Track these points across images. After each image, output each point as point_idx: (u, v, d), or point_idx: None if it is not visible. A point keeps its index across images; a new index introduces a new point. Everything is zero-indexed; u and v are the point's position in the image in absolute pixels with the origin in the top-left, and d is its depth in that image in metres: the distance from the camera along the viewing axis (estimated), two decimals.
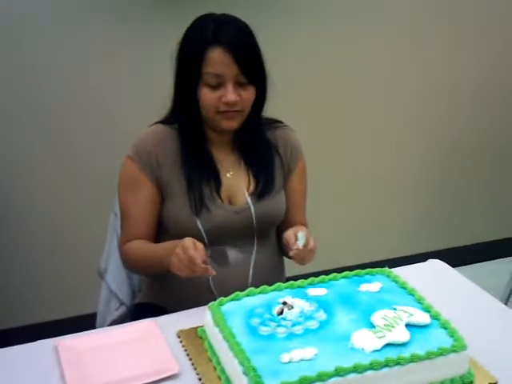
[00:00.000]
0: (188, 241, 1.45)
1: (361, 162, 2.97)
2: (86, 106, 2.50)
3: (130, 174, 1.65)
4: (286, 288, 1.42)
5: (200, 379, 1.25)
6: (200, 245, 1.45)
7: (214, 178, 1.65)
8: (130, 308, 1.83)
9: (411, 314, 1.28)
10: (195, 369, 1.28)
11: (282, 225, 1.75)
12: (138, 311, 1.73)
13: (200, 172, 1.64)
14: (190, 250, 1.42)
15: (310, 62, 2.61)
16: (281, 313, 1.30)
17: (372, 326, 1.26)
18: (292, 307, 1.32)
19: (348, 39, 2.77)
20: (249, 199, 1.67)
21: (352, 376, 1.13)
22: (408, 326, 1.25)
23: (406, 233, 3.21)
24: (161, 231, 1.69)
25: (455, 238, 3.31)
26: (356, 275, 1.48)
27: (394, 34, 2.85)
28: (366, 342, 1.21)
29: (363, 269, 1.50)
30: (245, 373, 1.13)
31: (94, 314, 1.85)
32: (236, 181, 1.69)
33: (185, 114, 1.63)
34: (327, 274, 1.48)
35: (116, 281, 1.83)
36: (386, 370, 1.15)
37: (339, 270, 1.50)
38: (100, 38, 2.43)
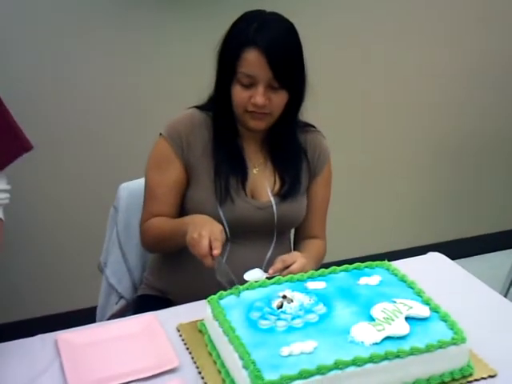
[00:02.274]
0: (207, 236, 1.44)
1: (359, 154, 2.97)
2: (91, 104, 2.50)
3: (161, 153, 1.67)
4: (286, 281, 1.42)
5: (200, 373, 1.25)
6: (218, 244, 1.44)
7: (242, 171, 1.67)
8: (131, 301, 1.83)
9: (411, 307, 1.28)
10: (195, 362, 1.28)
11: (300, 226, 1.78)
12: (140, 303, 1.74)
13: (228, 163, 1.65)
14: (204, 241, 1.43)
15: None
16: (280, 306, 1.31)
17: (372, 319, 1.26)
18: (291, 301, 1.32)
19: (350, 39, 2.78)
20: (272, 198, 1.68)
21: (351, 369, 1.13)
22: (407, 318, 1.25)
23: (405, 225, 3.21)
24: (182, 215, 1.68)
25: (455, 230, 3.32)
26: (355, 268, 1.48)
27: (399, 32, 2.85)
28: (365, 335, 1.21)
29: (363, 262, 1.50)
30: (244, 366, 1.14)
31: (94, 308, 1.85)
32: (261, 178, 1.70)
33: (220, 106, 1.64)
34: (326, 268, 1.48)
35: (116, 274, 1.83)
36: (385, 362, 1.15)
37: (338, 264, 1.50)
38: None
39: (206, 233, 1.44)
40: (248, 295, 1.37)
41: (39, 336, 1.34)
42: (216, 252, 1.42)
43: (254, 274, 1.49)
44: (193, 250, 1.46)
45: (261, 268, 1.55)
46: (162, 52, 2.52)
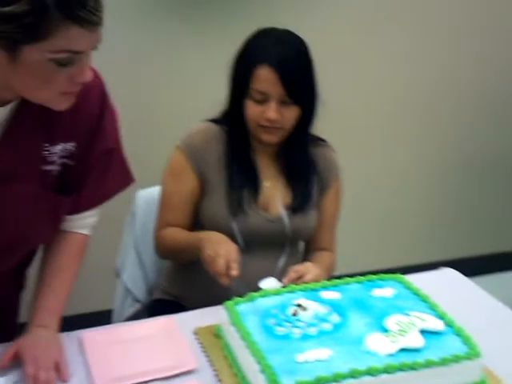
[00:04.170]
0: (224, 255, 1.49)
1: (375, 167, 2.98)
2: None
3: (177, 164, 1.71)
4: (300, 290, 1.45)
5: (217, 375, 1.28)
6: (236, 265, 1.48)
7: (254, 184, 1.71)
8: (146, 305, 1.86)
9: (425, 320, 1.30)
10: (212, 365, 1.31)
11: (310, 238, 1.82)
12: (155, 308, 1.77)
13: (242, 176, 1.69)
14: (221, 260, 1.48)
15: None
16: (295, 314, 1.33)
17: (385, 330, 1.28)
18: (306, 309, 1.34)
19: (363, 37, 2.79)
20: (283, 211, 1.71)
21: (366, 378, 1.15)
22: (422, 332, 1.26)
23: (419, 241, 3.20)
24: (196, 226, 1.74)
25: (469, 247, 3.29)
26: (368, 280, 1.50)
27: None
28: (379, 345, 1.23)
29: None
30: (261, 371, 1.16)
31: (108, 311, 1.88)
32: (273, 191, 1.73)
33: (234, 120, 1.69)
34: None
35: (132, 279, 1.86)
36: (400, 374, 1.17)
37: (351, 276, 1.51)
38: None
39: (222, 252, 1.49)
40: (263, 302, 1.39)
41: (64, 334, 1.37)
42: (234, 273, 1.47)
43: (268, 283, 1.52)
44: (209, 268, 1.51)
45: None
46: (177, 66, 2.56)
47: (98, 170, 1.40)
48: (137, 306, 1.85)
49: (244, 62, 1.64)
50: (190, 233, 1.69)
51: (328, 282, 1.48)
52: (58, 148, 1.30)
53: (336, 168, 1.82)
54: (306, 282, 1.50)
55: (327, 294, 1.43)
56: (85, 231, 1.48)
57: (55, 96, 1.17)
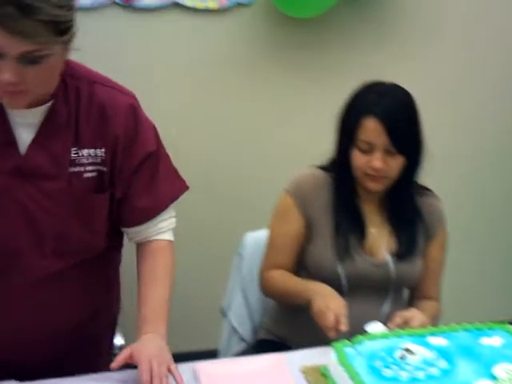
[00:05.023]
0: (334, 310, 1.53)
1: (477, 218, 2.95)
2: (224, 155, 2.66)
3: (284, 207, 1.79)
4: (407, 335, 1.46)
5: None
6: (345, 321, 1.52)
7: (361, 230, 1.76)
8: (251, 344, 1.92)
9: None
10: None
11: (415, 286, 1.84)
12: (260, 348, 1.81)
13: (348, 222, 1.75)
14: (331, 315, 1.52)
15: None
16: (403, 358, 1.34)
17: (494, 377, 1.27)
18: (414, 353, 1.36)
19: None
20: (389, 258, 1.75)
21: None
22: None
23: None
24: (300, 268, 1.80)
25: None
26: (476, 328, 1.49)
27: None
28: None
29: None
30: None
31: (215, 351, 1.94)
32: (378, 237, 1.78)
33: (341, 169, 1.76)
34: None
35: (238, 318, 1.93)
36: None
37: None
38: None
39: (332, 306, 1.54)
40: (370, 345, 1.41)
41: (180, 364, 1.42)
42: (343, 328, 1.51)
43: (375, 327, 1.54)
44: (319, 321, 1.56)
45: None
46: (286, 115, 2.68)
47: (145, 176, 1.47)
48: (242, 346, 1.91)
49: (351, 113, 1.72)
50: (298, 280, 1.75)
51: (435, 329, 1.49)
52: (86, 152, 1.39)
53: (442, 217, 1.85)
54: (412, 328, 1.52)
55: (434, 340, 1.43)
56: (165, 236, 1.54)
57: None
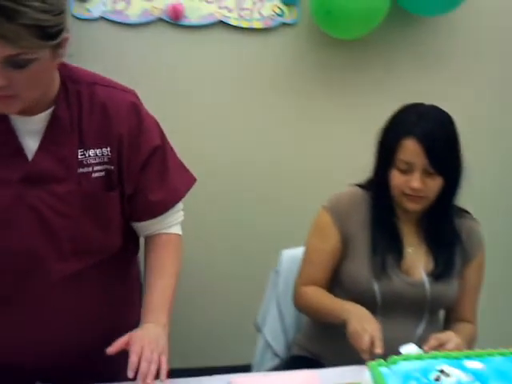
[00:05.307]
0: (370, 332, 1.54)
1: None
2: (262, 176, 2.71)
3: (322, 223, 1.81)
4: (442, 357, 1.45)
5: None
6: (381, 344, 1.53)
7: (398, 249, 1.76)
8: (284, 360, 1.92)
9: None
10: None
11: (451, 308, 1.84)
12: (293, 364, 1.81)
13: (386, 242, 1.76)
14: (366, 338, 1.53)
15: None
16: (438, 379, 1.34)
17: None
18: (449, 375, 1.35)
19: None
20: (425, 277, 1.75)
21: None
22: None
23: None
24: (334, 284, 1.81)
25: None
26: None
27: None
28: None
29: None
30: None
31: (248, 366, 1.95)
32: (416, 257, 1.78)
33: (379, 188, 1.78)
34: None
35: (272, 333, 1.94)
36: None
37: None
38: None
39: (368, 328, 1.55)
40: (404, 366, 1.40)
41: (216, 376, 1.45)
42: (379, 351, 1.51)
43: (409, 349, 1.53)
44: (354, 342, 1.56)
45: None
46: (326, 134, 2.71)
47: (154, 170, 1.48)
48: (276, 361, 1.92)
49: (391, 133, 1.73)
50: (334, 299, 1.75)
51: (471, 352, 1.47)
52: (92, 152, 1.40)
53: (481, 241, 1.84)
54: (447, 351, 1.51)
55: (471, 364, 1.42)
56: (174, 230, 1.56)
57: None
